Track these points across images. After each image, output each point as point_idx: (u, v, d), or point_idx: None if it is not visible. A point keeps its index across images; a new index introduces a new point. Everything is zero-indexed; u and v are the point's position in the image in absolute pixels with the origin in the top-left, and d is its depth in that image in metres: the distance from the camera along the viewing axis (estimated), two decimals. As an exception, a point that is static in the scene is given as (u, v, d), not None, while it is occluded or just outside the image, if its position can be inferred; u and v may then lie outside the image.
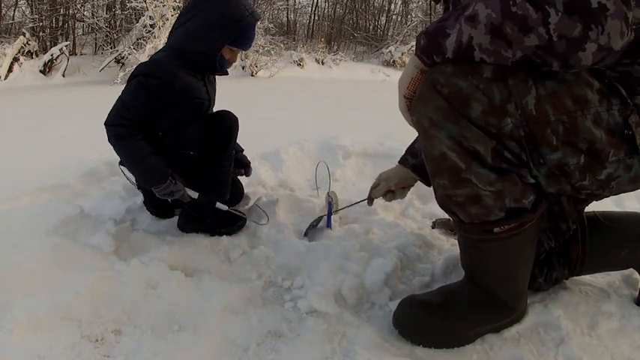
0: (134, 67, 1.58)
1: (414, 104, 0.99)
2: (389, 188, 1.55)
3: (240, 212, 1.64)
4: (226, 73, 1.66)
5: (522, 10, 0.80)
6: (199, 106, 1.60)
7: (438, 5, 1.24)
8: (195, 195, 1.54)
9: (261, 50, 11.92)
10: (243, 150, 1.92)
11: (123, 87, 1.56)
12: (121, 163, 1.60)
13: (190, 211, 1.61)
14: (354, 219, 1.78)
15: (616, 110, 0.91)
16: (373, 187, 1.59)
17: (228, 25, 1.48)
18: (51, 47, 10.41)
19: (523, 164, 0.95)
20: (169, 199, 1.51)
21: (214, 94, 1.73)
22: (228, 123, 1.57)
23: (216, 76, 1.75)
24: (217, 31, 1.48)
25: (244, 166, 1.87)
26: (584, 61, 0.81)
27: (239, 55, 1.62)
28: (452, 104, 0.91)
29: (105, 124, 1.47)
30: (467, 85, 0.89)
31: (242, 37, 1.54)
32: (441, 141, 0.94)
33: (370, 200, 1.62)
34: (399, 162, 1.56)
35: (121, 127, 1.44)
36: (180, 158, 1.56)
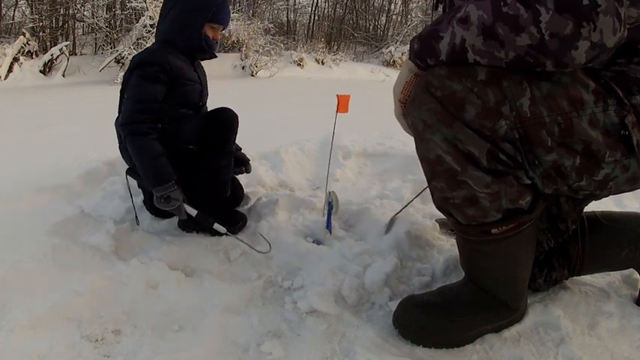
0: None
1: (408, 107, 0.99)
2: None
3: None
4: (215, 56, 1.72)
5: (513, 10, 0.80)
6: (191, 90, 1.64)
7: (437, 9, 1.24)
8: (193, 212, 1.51)
9: (261, 50, 11.93)
10: (241, 148, 1.92)
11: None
12: (127, 172, 1.60)
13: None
14: (354, 219, 1.79)
15: (612, 111, 0.91)
16: None
17: (203, 4, 1.58)
18: (51, 47, 10.41)
19: (519, 166, 0.95)
20: (165, 208, 1.47)
21: (205, 80, 1.77)
22: (227, 117, 1.59)
23: (213, 73, 1.78)
24: (196, 12, 1.58)
25: (244, 163, 1.87)
26: (578, 59, 0.81)
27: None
28: (446, 107, 0.91)
29: (120, 124, 1.49)
30: (460, 88, 0.89)
31: (219, 13, 1.62)
32: (436, 144, 0.94)
33: None
34: None
35: (138, 123, 1.47)
36: (179, 152, 1.56)
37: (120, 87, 1.64)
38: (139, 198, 1.80)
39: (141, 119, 1.47)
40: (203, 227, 1.60)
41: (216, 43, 1.69)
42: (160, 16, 1.66)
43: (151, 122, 1.49)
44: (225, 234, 1.49)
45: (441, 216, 1.74)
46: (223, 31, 1.75)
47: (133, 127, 1.47)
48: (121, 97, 1.63)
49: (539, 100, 0.89)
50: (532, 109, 0.89)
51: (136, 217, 1.58)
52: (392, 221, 1.63)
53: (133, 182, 1.64)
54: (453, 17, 0.89)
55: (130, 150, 1.49)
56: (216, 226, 1.49)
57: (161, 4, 1.74)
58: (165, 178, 1.45)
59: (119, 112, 1.64)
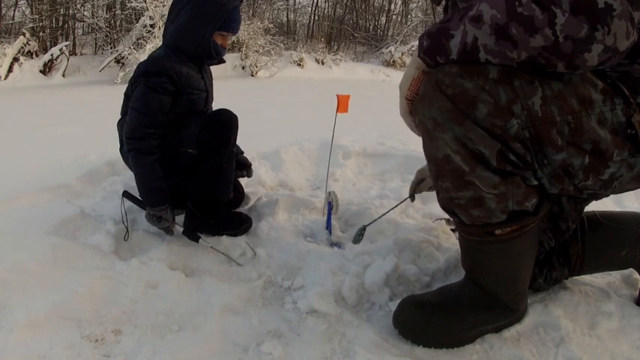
0: (134, 67, 1.59)
1: (416, 104, 0.98)
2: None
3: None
4: (223, 61, 1.70)
5: (528, 11, 0.80)
6: (197, 99, 1.62)
7: (439, 7, 1.23)
8: (180, 229, 1.54)
9: (261, 50, 11.93)
10: (243, 152, 1.92)
11: (123, 87, 1.57)
12: (124, 195, 1.60)
13: (196, 213, 1.61)
14: (354, 219, 1.79)
15: (619, 110, 0.91)
16: (416, 184, 1.64)
17: (214, 11, 1.54)
18: (51, 47, 10.42)
19: (527, 166, 0.94)
20: (155, 226, 1.51)
21: (212, 87, 1.75)
22: (226, 118, 1.58)
23: (213, 73, 1.76)
24: (206, 19, 1.54)
25: (245, 167, 1.88)
26: (590, 62, 0.81)
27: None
28: (457, 105, 0.90)
29: (126, 137, 1.48)
30: (472, 86, 0.88)
31: (229, 20, 1.59)
32: (446, 143, 0.93)
33: (412, 197, 1.67)
34: None
35: (143, 140, 1.46)
36: (179, 156, 1.56)
37: (124, 90, 1.63)
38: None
39: (147, 135, 1.46)
40: (206, 228, 1.61)
41: (225, 49, 1.66)
42: (167, 19, 1.62)
43: (157, 137, 1.48)
44: (211, 247, 1.48)
45: (441, 215, 1.74)
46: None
47: (138, 144, 1.46)
48: (125, 100, 1.62)
49: (550, 99, 0.88)
50: (543, 109, 0.88)
51: (127, 231, 1.57)
52: (363, 230, 1.56)
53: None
54: (464, 15, 0.88)
55: (132, 166, 1.49)
56: (202, 241, 1.50)
57: (161, 5, 1.73)
58: (160, 202, 1.47)
59: (122, 115, 1.64)
